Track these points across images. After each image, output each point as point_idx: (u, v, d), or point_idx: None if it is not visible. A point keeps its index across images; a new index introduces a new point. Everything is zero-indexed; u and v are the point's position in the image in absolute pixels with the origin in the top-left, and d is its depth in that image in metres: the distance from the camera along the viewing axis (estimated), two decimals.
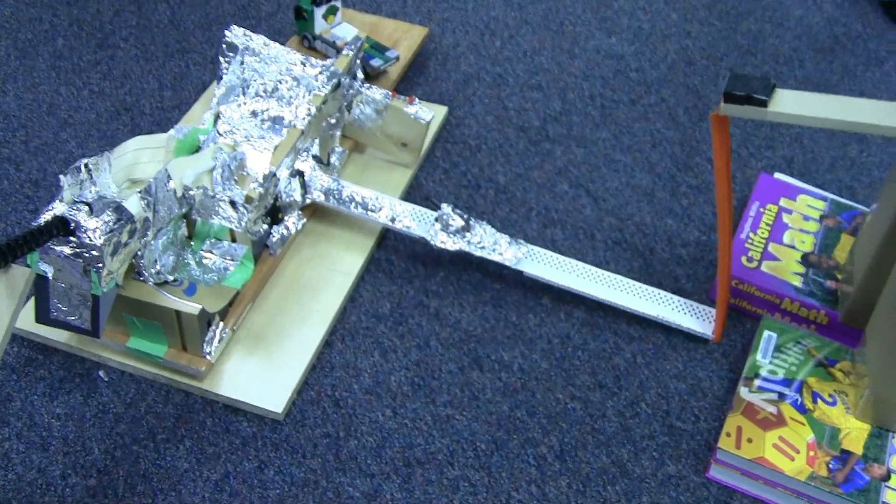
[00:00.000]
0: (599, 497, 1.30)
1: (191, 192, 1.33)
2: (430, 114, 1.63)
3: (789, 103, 1.23)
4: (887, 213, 1.34)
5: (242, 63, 1.55)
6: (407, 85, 1.87)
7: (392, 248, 1.56)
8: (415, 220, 1.52)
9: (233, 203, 1.36)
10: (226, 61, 1.56)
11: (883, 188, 1.43)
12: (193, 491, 1.27)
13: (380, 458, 1.32)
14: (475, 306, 1.49)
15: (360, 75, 1.62)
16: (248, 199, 1.36)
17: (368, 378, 1.40)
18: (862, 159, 1.81)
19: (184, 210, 1.35)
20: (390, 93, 1.63)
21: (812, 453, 1.29)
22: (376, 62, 1.79)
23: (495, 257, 1.48)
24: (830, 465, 1.28)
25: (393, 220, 1.52)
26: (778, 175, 1.72)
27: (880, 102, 1.21)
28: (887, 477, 1.28)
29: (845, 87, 1.96)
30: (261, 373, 1.38)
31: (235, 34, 1.55)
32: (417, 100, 1.63)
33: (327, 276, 1.50)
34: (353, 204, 1.54)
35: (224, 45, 1.54)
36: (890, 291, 1.28)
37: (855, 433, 1.32)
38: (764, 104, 1.21)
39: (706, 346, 1.47)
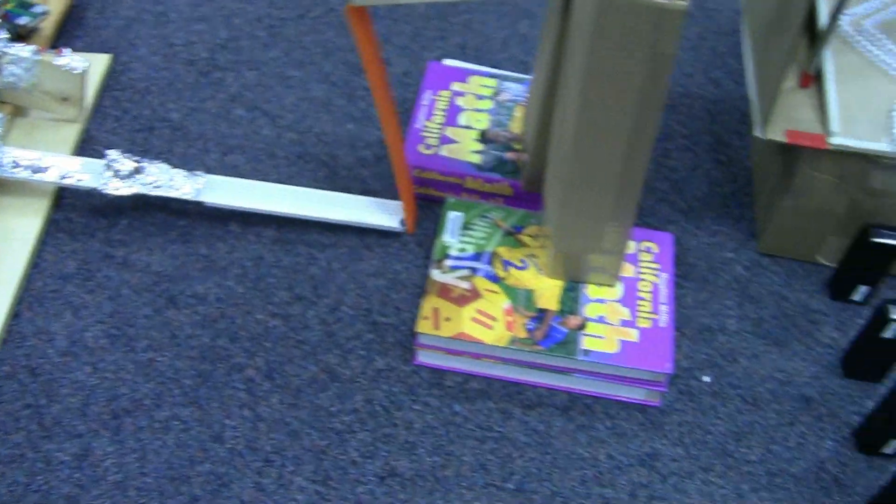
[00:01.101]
0: (313, 406, 1.29)
1: None
2: (84, 63, 1.57)
3: None
4: (541, 77, 1.37)
5: None
6: (66, 39, 1.79)
7: (70, 206, 1.51)
8: (86, 173, 1.46)
9: None
10: None
11: (535, 56, 1.45)
12: None
13: (86, 417, 1.27)
14: (163, 247, 1.46)
15: (3, 35, 1.54)
16: None
17: (63, 340, 1.35)
18: (532, 33, 1.84)
19: None
20: (38, 48, 1.55)
21: (510, 318, 1.31)
22: (24, 20, 1.71)
23: (173, 193, 1.44)
24: (528, 326, 1.30)
25: (63, 177, 1.46)
26: (447, 61, 1.72)
27: None
28: (583, 326, 1.31)
29: None
30: None
31: None
32: (68, 50, 1.57)
33: (3, 247, 1.43)
34: (18, 169, 1.46)
35: None
36: (554, 151, 1.30)
37: (549, 291, 1.35)
38: None
39: (399, 239, 1.48)
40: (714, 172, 1.68)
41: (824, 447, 1.35)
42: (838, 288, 1.52)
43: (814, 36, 1.48)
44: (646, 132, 1.19)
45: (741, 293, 1.50)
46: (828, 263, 1.57)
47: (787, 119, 1.43)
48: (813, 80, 1.49)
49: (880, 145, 1.40)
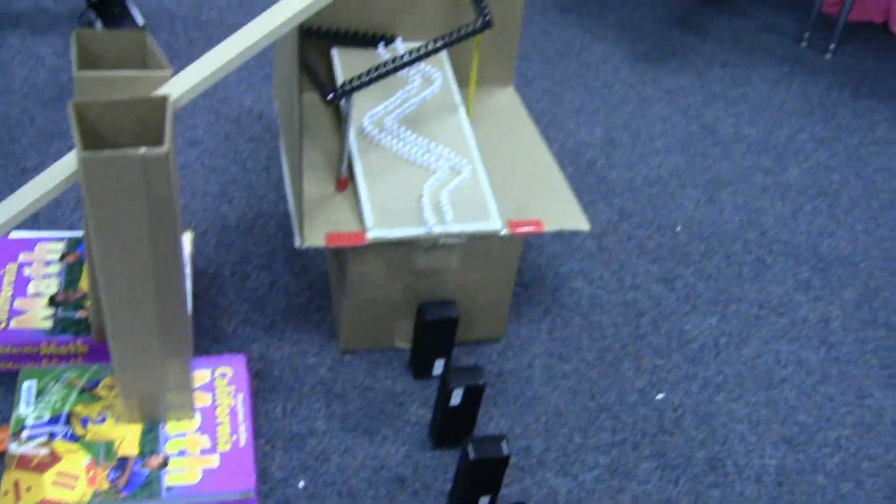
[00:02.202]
0: None
1: None
2: None
3: None
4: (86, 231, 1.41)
5: None
6: None
7: None
8: None
9: None
10: None
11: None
12: None
13: None
14: None
15: None
16: None
17: None
18: None
19: None
20: None
21: (91, 473, 1.34)
22: None
23: None
24: (111, 477, 1.34)
25: None
26: (13, 234, 1.74)
27: None
28: (165, 463, 1.35)
29: None
30: None
31: None
32: None
33: None
34: None
35: None
36: (104, 297, 1.33)
37: (129, 438, 1.39)
38: None
39: None
40: (292, 285, 1.76)
41: None
42: (418, 367, 1.63)
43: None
44: (169, 271, 1.26)
45: (327, 394, 1.58)
46: (405, 346, 1.67)
47: (327, 223, 1.53)
48: (347, 182, 1.60)
49: (415, 230, 1.52)
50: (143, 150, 1.15)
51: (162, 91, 1.27)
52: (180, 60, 2.31)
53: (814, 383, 1.75)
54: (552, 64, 2.60)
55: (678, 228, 2.05)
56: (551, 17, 2.86)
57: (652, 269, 1.93)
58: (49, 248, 1.68)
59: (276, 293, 1.73)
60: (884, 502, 1.56)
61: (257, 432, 1.49)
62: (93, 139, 1.20)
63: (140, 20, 2.40)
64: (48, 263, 1.65)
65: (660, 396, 1.67)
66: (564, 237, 1.96)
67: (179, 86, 1.28)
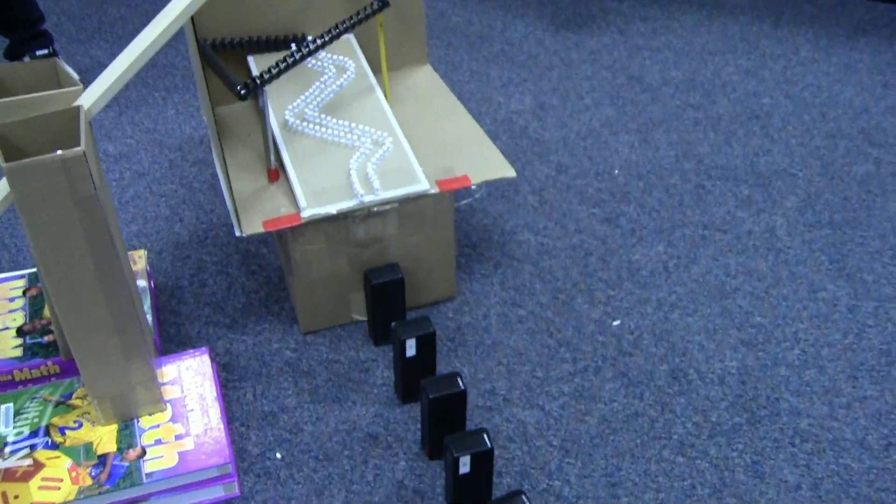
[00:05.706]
0: None
1: None
2: None
3: None
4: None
5: None
6: None
7: None
8: None
9: None
10: None
11: None
12: None
13: None
14: None
15: None
16: None
17: None
18: None
19: None
20: None
21: (74, 474, 1.42)
22: None
23: None
24: (92, 474, 1.41)
25: None
26: None
27: None
28: (143, 454, 1.43)
29: None
30: None
31: None
32: None
33: None
34: None
35: None
36: (56, 307, 1.41)
37: (106, 437, 1.47)
38: None
39: None
40: (249, 284, 1.84)
41: (399, 469, 1.51)
42: (378, 333, 1.70)
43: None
44: (112, 271, 1.33)
45: (294, 373, 1.65)
46: (362, 318, 1.74)
47: (264, 211, 1.61)
48: (279, 173, 1.68)
49: (347, 203, 1.60)
50: (60, 152, 1.23)
51: (75, 104, 1.35)
52: (118, 106, 2.40)
53: (766, 287, 1.80)
54: (476, 47, 2.68)
55: (616, 172, 2.12)
56: (470, 6, 2.95)
57: (595, 212, 2.00)
58: (11, 286, 1.76)
59: (234, 294, 1.81)
60: (847, 381, 1.62)
61: (230, 417, 1.56)
62: (15, 156, 1.28)
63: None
64: (12, 300, 1.73)
65: (616, 323, 1.73)
66: (507, 197, 2.04)
67: (90, 96, 1.36)
